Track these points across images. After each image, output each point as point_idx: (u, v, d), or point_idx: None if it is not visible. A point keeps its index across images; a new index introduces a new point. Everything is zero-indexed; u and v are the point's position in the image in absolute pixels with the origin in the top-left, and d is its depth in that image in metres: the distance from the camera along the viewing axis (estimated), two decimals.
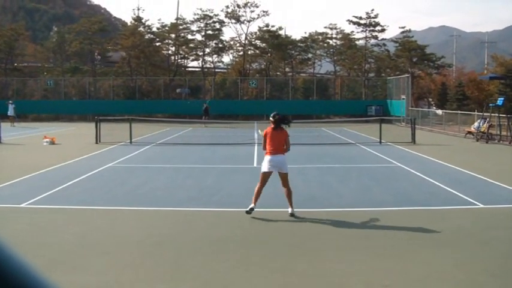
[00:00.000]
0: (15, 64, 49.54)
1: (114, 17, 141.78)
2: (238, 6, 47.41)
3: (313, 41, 49.14)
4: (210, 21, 48.15)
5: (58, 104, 42.58)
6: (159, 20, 69.17)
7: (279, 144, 8.11)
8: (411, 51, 45.38)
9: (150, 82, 47.88)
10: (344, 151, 18.15)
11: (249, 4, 47.16)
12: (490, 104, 23.18)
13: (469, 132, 23.72)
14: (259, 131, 20.31)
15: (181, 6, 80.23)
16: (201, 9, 48.15)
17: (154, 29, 49.89)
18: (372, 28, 46.94)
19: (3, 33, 47.58)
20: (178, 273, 5.54)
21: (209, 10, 48.20)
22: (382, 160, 15.47)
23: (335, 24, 51.29)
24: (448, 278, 5.34)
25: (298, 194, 9.93)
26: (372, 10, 46.58)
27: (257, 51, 49.70)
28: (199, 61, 50.39)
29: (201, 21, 48.16)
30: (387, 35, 49.21)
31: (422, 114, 33.55)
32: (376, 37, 47.45)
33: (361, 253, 6.17)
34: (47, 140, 20.49)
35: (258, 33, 48.82)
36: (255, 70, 51.02)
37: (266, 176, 8.03)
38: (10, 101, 34.90)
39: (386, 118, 31.61)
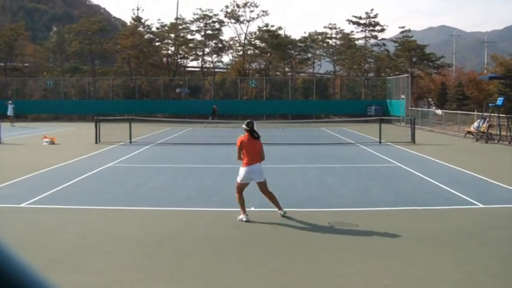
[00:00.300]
0: (15, 64, 49.52)
1: (114, 17, 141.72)
2: (238, 6, 47.49)
3: (312, 41, 49.17)
4: (210, 21, 48.19)
5: (58, 104, 42.58)
6: (158, 19, 69.49)
7: (255, 154, 7.92)
8: (411, 51, 45.40)
9: (150, 82, 47.90)
10: (344, 151, 18.15)
11: (248, 4, 47.23)
12: (490, 104, 23.19)
13: (469, 132, 23.73)
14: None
15: (180, 6, 79.99)
16: (200, 9, 48.23)
17: (153, 29, 50.01)
18: (371, 28, 46.99)
19: (3, 33, 47.57)
20: (178, 273, 5.54)
21: (209, 10, 48.35)
22: (381, 160, 15.47)
23: (334, 24, 51.48)
24: (448, 278, 5.34)
25: (298, 194, 9.95)
26: (372, 10, 46.70)
27: (257, 51, 49.72)
28: (199, 61, 50.46)
29: (201, 21, 48.22)
30: (387, 34, 49.39)
31: (422, 114, 33.56)
32: (375, 37, 47.52)
33: (361, 253, 6.17)
34: (47, 140, 20.49)
35: (257, 33, 48.86)
36: (254, 70, 51.03)
37: (244, 186, 7.96)
38: (9, 101, 34.90)
39: (386, 118, 31.59)
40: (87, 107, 41.77)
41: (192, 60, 51.61)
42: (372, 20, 46.66)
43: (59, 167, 13.66)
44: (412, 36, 47.19)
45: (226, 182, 11.43)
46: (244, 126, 8.14)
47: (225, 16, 48.08)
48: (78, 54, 49.84)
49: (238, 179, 7.91)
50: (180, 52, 50.36)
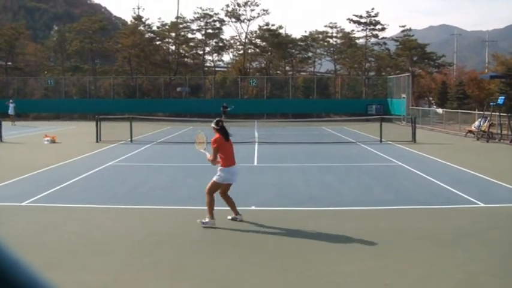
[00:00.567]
0: (16, 63, 49.55)
1: (115, 16, 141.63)
2: (239, 5, 47.49)
3: (313, 40, 49.16)
4: (210, 20, 48.20)
5: (58, 103, 42.61)
6: (159, 18, 69.86)
7: (232, 155, 7.58)
8: (412, 50, 45.36)
9: (151, 81, 47.91)
10: (344, 150, 18.14)
11: (249, 3, 47.21)
12: (491, 103, 23.17)
13: (470, 131, 23.70)
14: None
15: (181, 5, 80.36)
16: (201, 8, 48.41)
17: (154, 28, 49.99)
18: (372, 27, 46.96)
19: (4, 32, 47.61)
20: (178, 272, 5.55)
21: (209, 9, 48.38)
22: (382, 159, 15.46)
23: (335, 23, 51.38)
24: (449, 277, 5.33)
25: (298, 193, 9.95)
26: (372, 9, 46.66)
27: (257, 50, 49.71)
28: (200, 60, 50.39)
29: (201, 20, 48.21)
30: (387, 33, 49.16)
31: (423, 113, 33.51)
32: (376, 36, 47.48)
33: (361, 252, 6.16)
34: (48, 138, 20.52)
35: (258, 32, 48.84)
36: (255, 69, 51.02)
37: (220, 187, 7.53)
38: (11, 100, 34.95)
39: (387, 117, 31.54)
40: (88, 106, 41.79)
41: (192, 59, 51.62)
42: (373, 19, 46.66)
43: (59, 165, 13.67)
44: (412, 35, 47.18)
45: None
46: (213, 125, 7.55)
47: (226, 15, 48.16)
48: (79, 53, 49.89)
49: (218, 179, 7.43)
50: (181, 51, 50.36)
